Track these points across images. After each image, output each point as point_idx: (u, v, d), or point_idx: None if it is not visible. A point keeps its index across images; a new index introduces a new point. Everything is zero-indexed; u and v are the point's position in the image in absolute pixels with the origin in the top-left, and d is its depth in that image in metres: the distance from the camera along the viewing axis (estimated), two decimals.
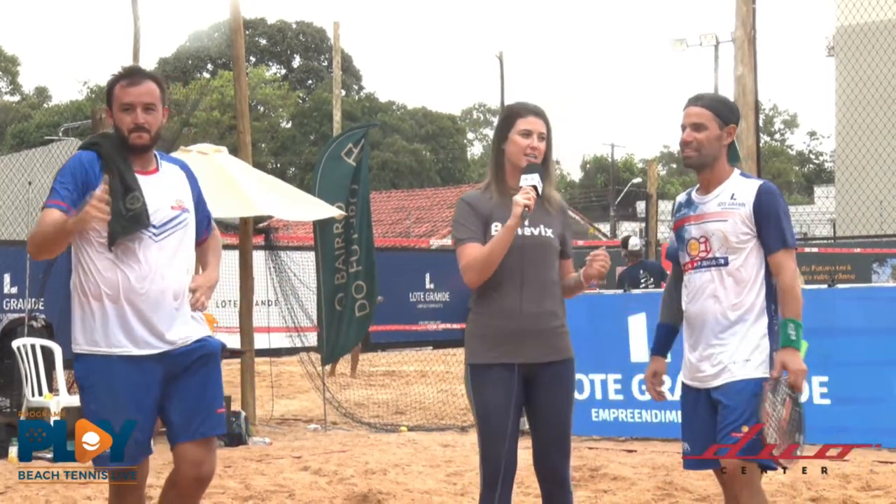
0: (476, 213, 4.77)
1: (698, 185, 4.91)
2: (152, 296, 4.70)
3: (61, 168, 4.80)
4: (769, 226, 4.71)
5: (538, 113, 4.83)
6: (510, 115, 4.84)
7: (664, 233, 20.46)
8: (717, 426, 4.71)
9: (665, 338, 5.10)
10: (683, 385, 4.90)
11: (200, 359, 4.81)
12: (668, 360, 5.20)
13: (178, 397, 4.78)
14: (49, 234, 4.59)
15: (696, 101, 4.82)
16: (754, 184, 4.79)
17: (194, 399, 4.79)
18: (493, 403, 4.73)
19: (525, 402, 4.82)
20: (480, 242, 4.73)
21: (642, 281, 13.84)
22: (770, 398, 4.65)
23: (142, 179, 4.76)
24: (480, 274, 4.71)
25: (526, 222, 4.75)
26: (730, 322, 4.71)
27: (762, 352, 4.71)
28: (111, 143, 4.78)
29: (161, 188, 4.81)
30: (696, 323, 4.81)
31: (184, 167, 5.03)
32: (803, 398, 4.86)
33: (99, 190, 4.45)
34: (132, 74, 4.83)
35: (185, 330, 4.79)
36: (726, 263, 4.73)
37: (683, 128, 4.81)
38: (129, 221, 4.66)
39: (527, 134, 4.78)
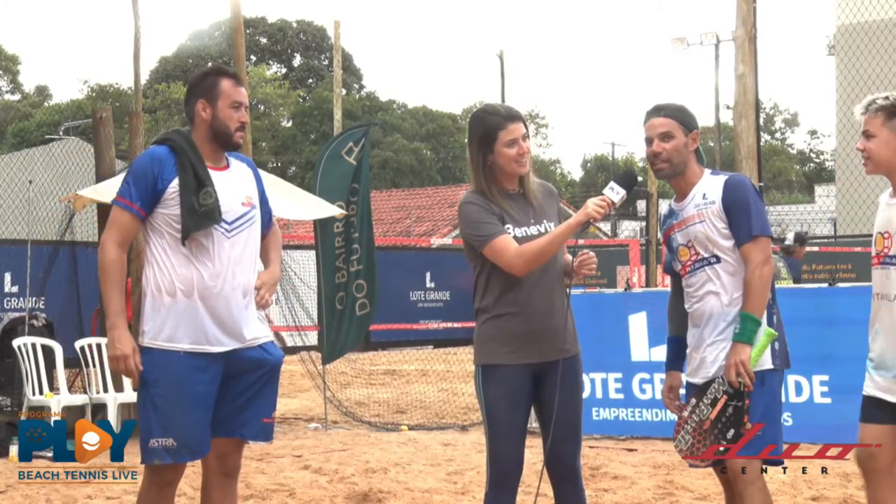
0: (491, 211, 4.74)
1: (675, 195, 4.92)
2: (225, 293, 4.77)
3: (134, 162, 4.91)
4: (736, 217, 4.71)
5: (515, 117, 4.77)
6: (491, 129, 4.74)
7: None
8: None
9: (676, 351, 5.05)
10: (688, 384, 4.91)
11: (261, 367, 4.89)
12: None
13: (228, 396, 4.85)
14: (103, 280, 4.75)
15: (658, 111, 4.82)
16: (721, 179, 4.79)
17: (244, 403, 4.87)
18: (504, 404, 4.74)
19: (535, 400, 4.83)
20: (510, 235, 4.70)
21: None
22: (693, 402, 4.72)
23: (214, 175, 4.84)
24: (530, 266, 4.65)
25: (531, 218, 4.77)
26: (731, 316, 4.73)
27: None
28: (184, 139, 4.85)
29: (232, 184, 4.89)
30: (699, 321, 4.82)
31: (249, 164, 5.12)
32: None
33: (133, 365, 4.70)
34: (236, 75, 4.98)
35: (254, 329, 4.88)
36: (718, 261, 4.76)
37: (650, 140, 4.79)
38: (201, 217, 4.73)
39: (513, 143, 4.74)
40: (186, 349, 4.74)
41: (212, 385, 4.78)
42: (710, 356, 4.76)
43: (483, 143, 4.76)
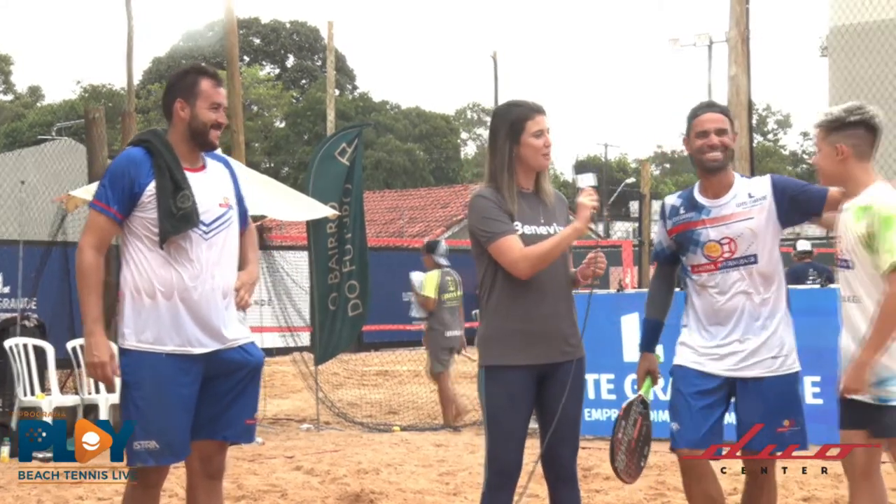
0: (501, 209, 4.75)
1: (698, 189, 4.98)
2: (204, 295, 4.75)
3: (112, 164, 4.86)
4: (802, 189, 4.88)
5: (541, 110, 4.83)
6: (519, 119, 4.79)
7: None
8: (752, 419, 4.84)
9: (655, 333, 5.22)
10: (688, 369, 4.96)
11: (242, 368, 4.87)
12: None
13: (209, 398, 4.83)
14: (81, 285, 4.71)
15: (712, 107, 4.98)
16: (763, 178, 4.95)
17: (226, 404, 4.86)
18: (506, 405, 4.76)
19: (536, 401, 4.84)
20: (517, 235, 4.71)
21: (810, 278, 14.16)
22: (622, 424, 4.92)
23: (191, 177, 4.80)
24: (535, 268, 4.68)
25: (542, 217, 4.81)
26: (763, 316, 4.86)
27: (790, 345, 4.93)
28: (160, 140, 4.81)
29: (209, 185, 4.86)
30: (725, 319, 4.91)
31: (226, 164, 5.09)
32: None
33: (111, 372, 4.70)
34: (216, 75, 4.93)
35: (234, 330, 4.86)
36: (756, 261, 4.86)
37: (705, 133, 4.88)
38: (179, 220, 4.70)
39: (539, 134, 4.78)
40: (168, 351, 4.72)
41: (193, 387, 4.76)
42: (745, 351, 4.86)
43: (511, 133, 4.78)
